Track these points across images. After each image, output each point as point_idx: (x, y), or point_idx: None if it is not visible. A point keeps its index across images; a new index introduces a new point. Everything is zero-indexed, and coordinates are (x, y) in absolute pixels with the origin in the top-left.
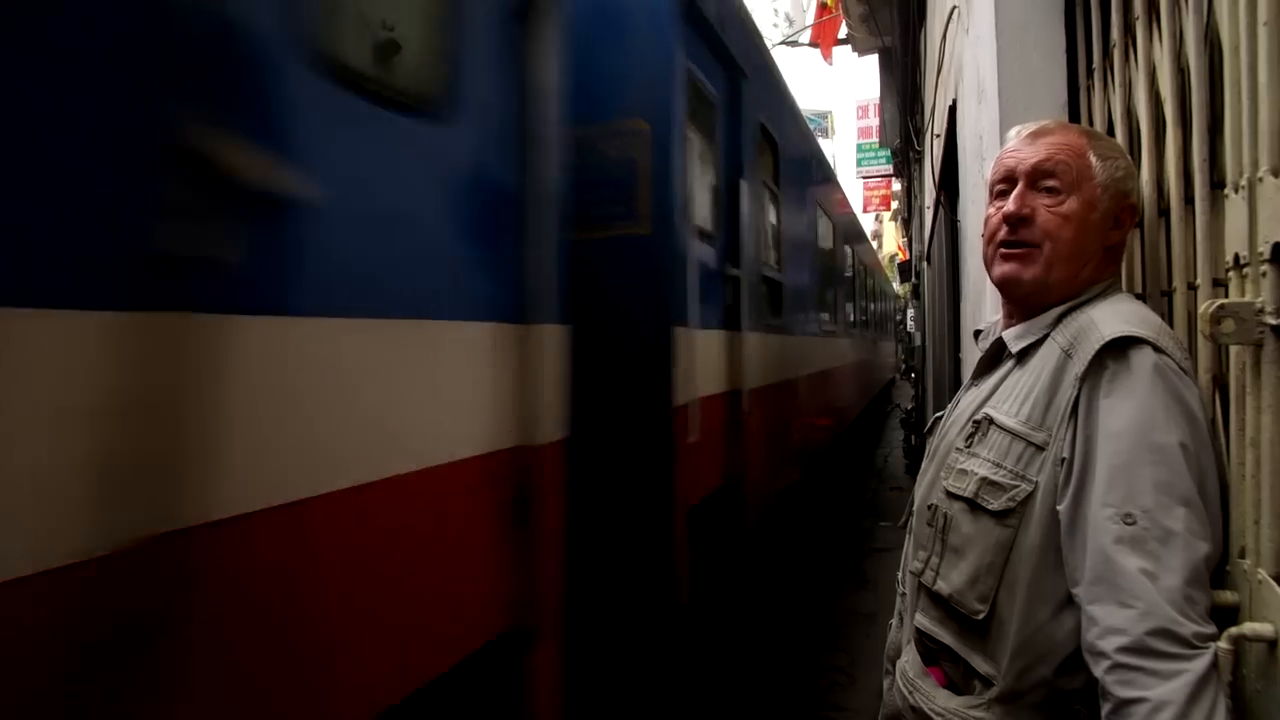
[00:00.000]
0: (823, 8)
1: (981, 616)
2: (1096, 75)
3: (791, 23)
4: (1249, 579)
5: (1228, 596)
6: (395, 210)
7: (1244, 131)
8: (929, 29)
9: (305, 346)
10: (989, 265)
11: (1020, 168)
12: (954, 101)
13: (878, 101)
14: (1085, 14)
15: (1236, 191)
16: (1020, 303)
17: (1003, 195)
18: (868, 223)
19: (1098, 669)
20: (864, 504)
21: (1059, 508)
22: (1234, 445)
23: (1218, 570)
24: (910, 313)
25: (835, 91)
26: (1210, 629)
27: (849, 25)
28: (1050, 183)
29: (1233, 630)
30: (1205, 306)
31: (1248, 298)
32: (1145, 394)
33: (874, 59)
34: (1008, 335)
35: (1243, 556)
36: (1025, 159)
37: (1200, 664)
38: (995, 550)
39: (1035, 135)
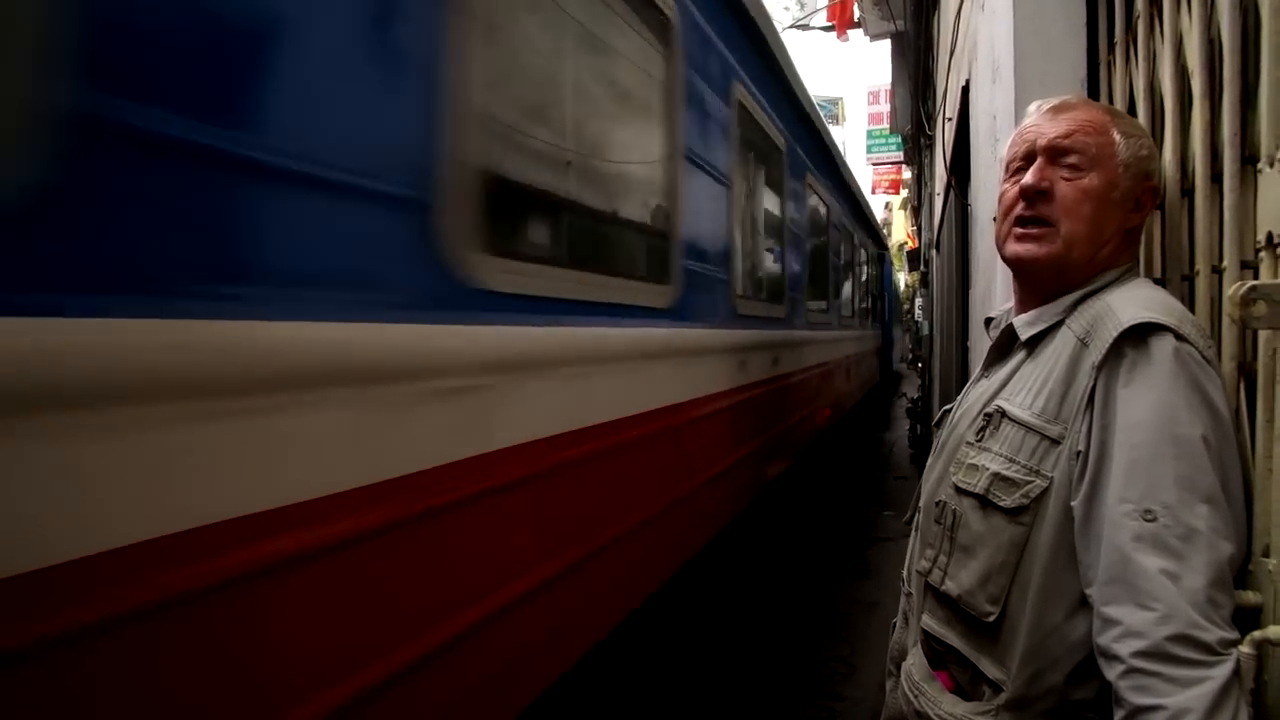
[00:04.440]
0: None
1: (992, 619)
2: (1118, 49)
3: (803, 6)
4: (1274, 580)
5: (1249, 597)
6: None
7: None
8: (942, 11)
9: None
10: (1001, 243)
11: (1040, 143)
12: (967, 82)
13: (889, 87)
14: None
15: (1272, 165)
16: (1033, 282)
17: (1020, 172)
18: (877, 208)
19: (1111, 673)
20: (868, 493)
21: (1073, 503)
22: (1261, 437)
23: (1239, 570)
24: (919, 301)
25: (846, 77)
26: (1234, 634)
27: (861, 8)
28: (1071, 159)
29: (1256, 634)
30: (1234, 288)
31: None
32: (1167, 384)
33: (886, 44)
34: (1018, 322)
35: (1267, 555)
36: (1045, 134)
37: (1223, 671)
38: (1007, 549)
39: (1056, 110)
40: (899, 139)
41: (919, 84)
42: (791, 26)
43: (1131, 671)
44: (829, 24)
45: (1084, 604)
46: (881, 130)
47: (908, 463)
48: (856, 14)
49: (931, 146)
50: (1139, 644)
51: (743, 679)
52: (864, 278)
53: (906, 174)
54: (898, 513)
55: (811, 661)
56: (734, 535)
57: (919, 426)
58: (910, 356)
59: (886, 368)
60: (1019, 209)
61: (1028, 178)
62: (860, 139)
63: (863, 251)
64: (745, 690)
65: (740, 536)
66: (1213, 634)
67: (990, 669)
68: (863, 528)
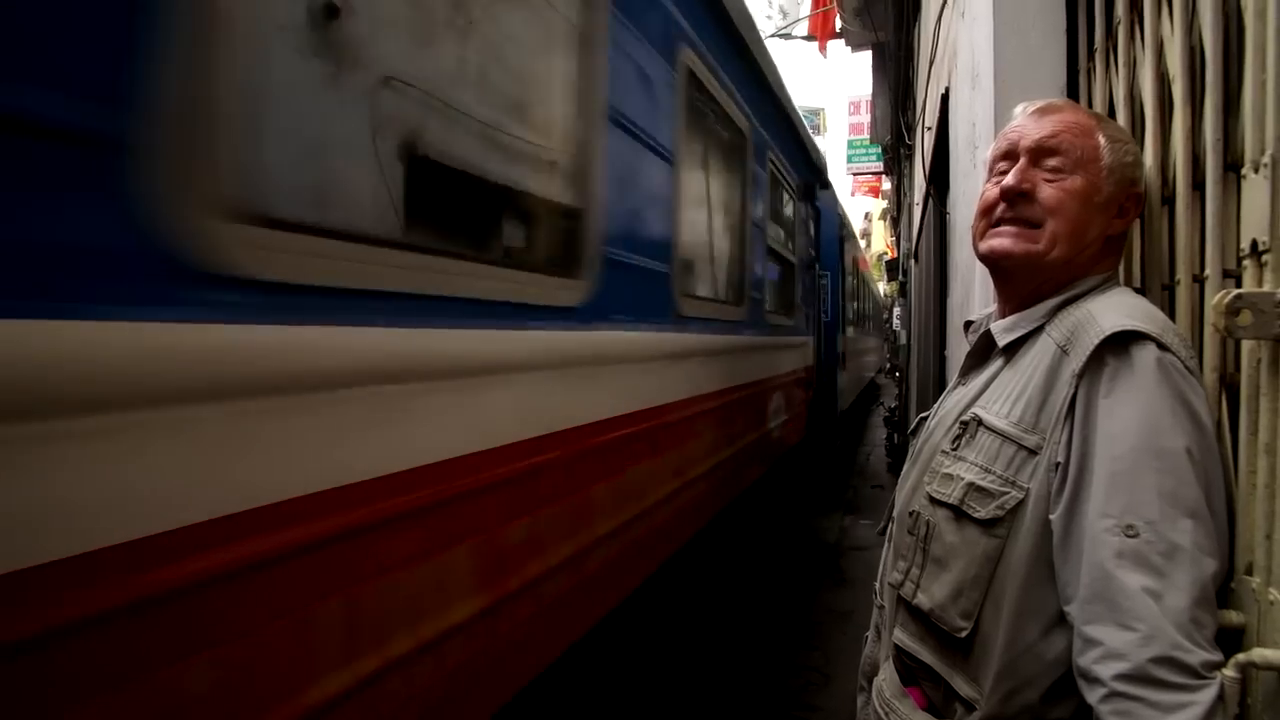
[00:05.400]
0: (818, 0)
1: (964, 634)
2: (1098, 56)
3: (785, 15)
4: (1258, 599)
5: (1233, 617)
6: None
7: (1268, 104)
8: (923, 19)
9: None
10: (977, 240)
11: (1024, 143)
12: (946, 90)
13: (870, 98)
14: None
15: (1256, 171)
16: (1009, 283)
17: (1002, 174)
18: (856, 218)
19: (1092, 696)
20: (844, 502)
21: (1052, 517)
22: (1244, 451)
23: (1220, 588)
24: (897, 311)
25: (828, 88)
26: (1218, 656)
27: (843, 19)
28: (1054, 160)
29: (1241, 657)
30: (1219, 297)
31: (1267, 287)
32: (1149, 394)
33: (867, 55)
34: (996, 328)
35: (1250, 574)
36: (1029, 134)
37: (1207, 695)
38: (981, 562)
39: (1042, 112)
40: (879, 149)
41: (899, 94)
42: (773, 36)
43: (1113, 695)
44: (811, 35)
45: (1060, 621)
46: (862, 140)
47: (885, 471)
48: (838, 24)
49: (911, 156)
50: (1121, 666)
51: (717, 689)
52: (763, 235)
53: (886, 185)
54: (874, 521)
55: (786, 671)
56: (709, 543)
57: (896, 435)
58: (888, 366)
59: (825, 410)
60: (999, 210)
61: (1009, 179)
62: (841, 149)
63: (766, 178)
64: (720, 700)
65: (715, 544)
66: (1196, 656)
67: (963, 687)
68: (839, 536)
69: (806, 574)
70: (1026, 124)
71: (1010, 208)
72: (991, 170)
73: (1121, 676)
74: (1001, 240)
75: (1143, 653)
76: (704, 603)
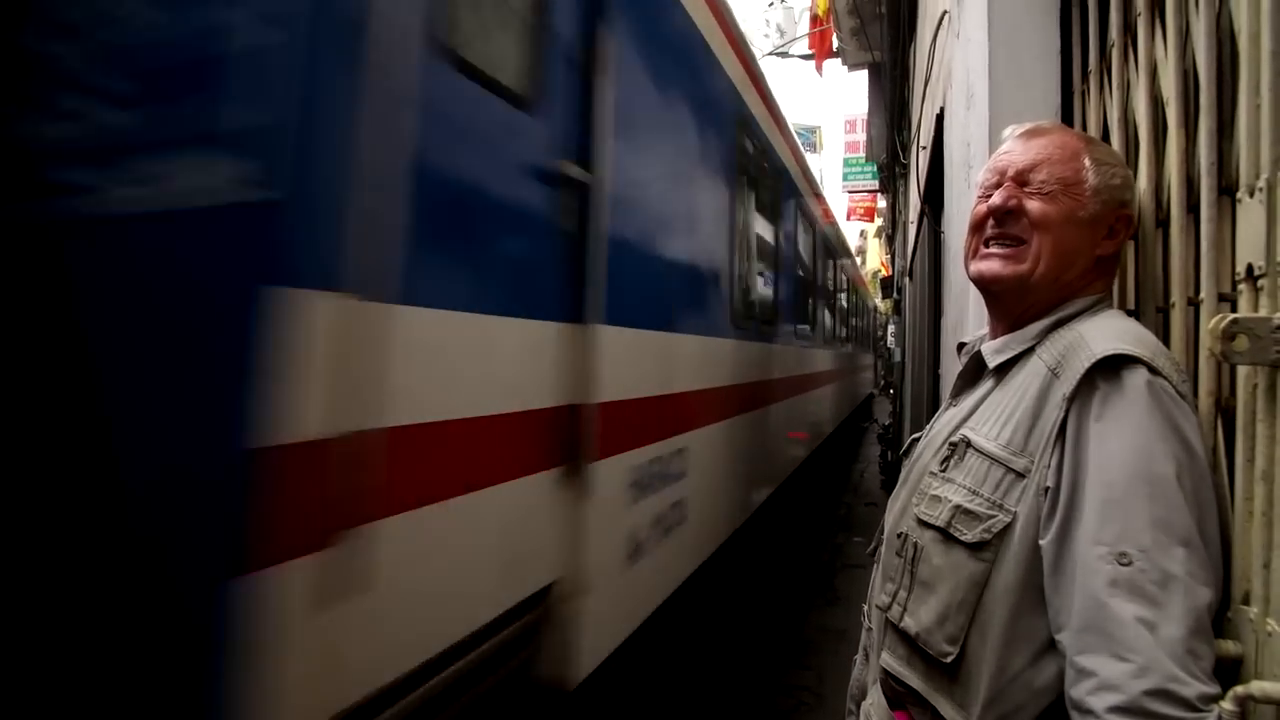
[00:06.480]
0: (815, 19)
1: (950, 659)
2: (1092, 78)
3: (783, 34)
4: (1256, 630)
5: (1229, 647)
6: None
7: (1263, 127)
8: (919, 39)
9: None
10: (968, 260)
11: (1010, 170)
12: (941, 109)
13: (865, 116)
14: (1082, 12)
15: (1252, 195)
16: (999, 304)
17: (993, 188)
18: (851, 235)
19: None
20: (837, 519)
21: (1042, 543)
22: (1240, 478)
23: (1216, 618)
24: (891, 328)
25: (824, 106)
26: (1215, 689)
27: (840, 38)
28: (1040, 182)
29: (1239, 689)
30: (1215, 321)
31: (1263, 312)
32: (1140, 419)
33: (864, 75)
34: (986, 349)
35: (1247, 603)
36: (1017, 159)
37: None
38: (967, 586)
39: (1030, 135)
40: (874, 167)
41: (895, 113)
42: (770, 54)
43: None
44: (808, 52)
45: (1050, 648)
46: (858, 159)
47: (878, 488)
48: (835, 44)
49: (906, 175)
50: (1115, 698)
51: (707, 710)
52: None
53: (881, 203)
54: (867, 539)
55: (778, 691)
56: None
57: (890, 452)
58: (883, 383)
59: None
60: (988, 228)
61: (995, 198)
62: (837, 167)
63: None
64: None
65: (707, 561)
66: (1193, 688)
67: (950, 712)
68: (831, 554)
69: (799, 592)
70: (1014, 148)
71: (998, 224)
72: (982, 194)
73: (1116, 709)
74: (990, 264)
75: (1138, 685)
76: (695, 620)
